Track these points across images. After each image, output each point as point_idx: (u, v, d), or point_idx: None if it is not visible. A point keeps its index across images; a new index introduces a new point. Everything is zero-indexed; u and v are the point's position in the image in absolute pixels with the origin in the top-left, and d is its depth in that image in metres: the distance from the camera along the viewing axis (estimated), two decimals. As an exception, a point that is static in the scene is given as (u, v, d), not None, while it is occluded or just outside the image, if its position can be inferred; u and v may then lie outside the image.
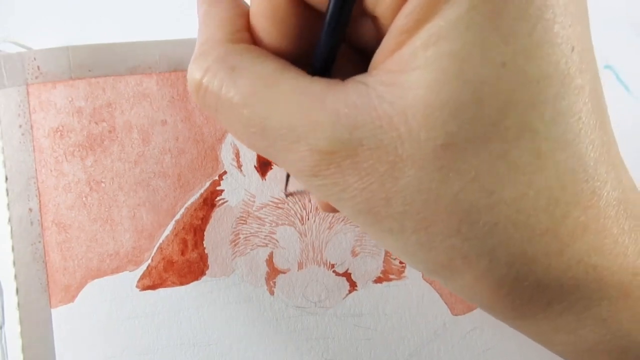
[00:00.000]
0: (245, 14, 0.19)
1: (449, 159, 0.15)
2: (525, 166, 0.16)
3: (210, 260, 0.30)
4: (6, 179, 0.30)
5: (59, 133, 0.30)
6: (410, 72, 0.15)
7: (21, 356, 0.29)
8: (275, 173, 0.31)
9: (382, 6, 0.16)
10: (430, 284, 0.31)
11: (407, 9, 0.15)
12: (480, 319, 0.31)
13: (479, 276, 0.17)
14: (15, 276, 0.30)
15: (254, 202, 0.31)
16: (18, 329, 0.29)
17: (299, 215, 0.31)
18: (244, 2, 0.20)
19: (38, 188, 0.30)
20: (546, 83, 0.15)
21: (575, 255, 0.16)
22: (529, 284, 0.17)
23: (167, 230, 0.30)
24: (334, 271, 0.31)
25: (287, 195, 0.31)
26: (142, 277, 0.30)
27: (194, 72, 0.18)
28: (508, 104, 0.15)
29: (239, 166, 0.31)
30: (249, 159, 0.31)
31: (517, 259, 0.16)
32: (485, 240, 0.16)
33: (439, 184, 0.16)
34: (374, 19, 0.17)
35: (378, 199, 0.16)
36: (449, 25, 0.15)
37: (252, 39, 0.19)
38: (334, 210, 0.24)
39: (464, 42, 0.15)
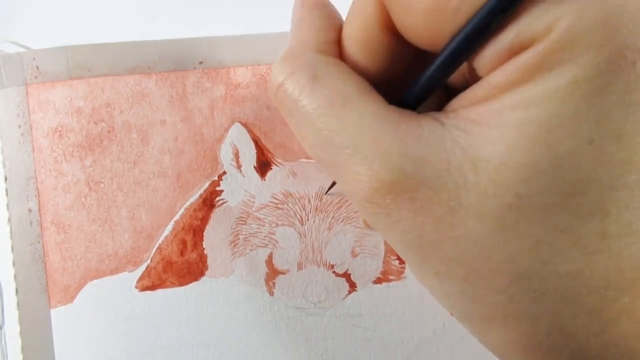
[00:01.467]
0: (338, 27, 0.20)
1: (513, 219, 0.15)
2: (588, 245, 0.15)
3: (209, 261, 0.30)
4: (5, 179, 0.30)
5: (58, 133, 0.30)
6: (492, 127, 0.15)
7: (20, 356, 0.29)
8: (275, 173, 0.31)
9: (483, 60, 0.16)
10: (430, 284, 0.31)
11: (507, 68, 0.15)
12: (479, 320, 0.31)
13: (514, 338, 0.17)
14: (15, 276, 0.30)
15: (253, 202, 0.31)
16: (17, 329, 0.29)
17: (298, 215, 0.31)
18: (339, 16, 0.21)
19: (37, 188, 0.30)
20: (629, 168, 0.15)
21: (614, 338, 0.16)
22: (561, 357, 0.17)
23: (167, 231, 0.30)
24: (333, 272, 0.31)
25: (326, 193, 0.31)
26: (141, 278, 0.30)
27: (278, 74, 0.18)
28: (586, 181, 0.15)
29: (239, 166, 0.31)
30: (249, 160, 0.31)
31: (557, 331, 0.16)
32: (531, 306, 0.16)
33: (497, 242, 0.16)
34: (469, 65, 0.17)
35: (429, 240, 0.16)
36: (544, 93, 0.15)
37: (340, 54, 0.19)
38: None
39: (555, 113, 0.15)
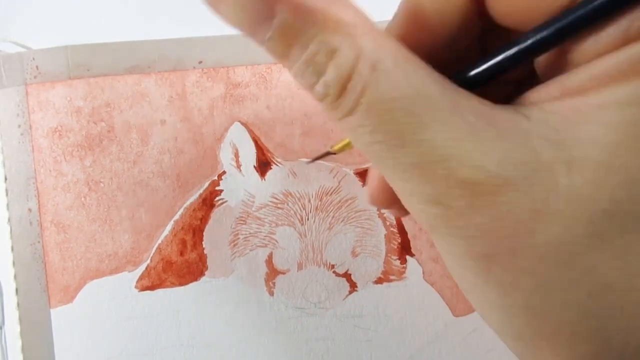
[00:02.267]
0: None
1: (606, 227, 0.14)
2: None
3: (209, 261, 0.30)
4: (5, 179, 0.30)
5: (57, 133, 0.30)
6: (590, 124, 0.14)
7: (21, 356, 0.29)
8: (275, 173, 0.31)
9: (585, 46, 0.14)
10: (431, 284, 0.31)
11: (615, 57, 0.14)
12: (481, 320, 0.30)
13: (579, 355, 0.16)
14: (15, 276, 0.30)
15: (253, 202, 0.31)
16: (17, 329, 0.29)
17: (298, 215, 0.30)
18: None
19: (37, 188, 0.30)
20: None
21: None
22: None
23: (166, 231, 0.30)
24: (334, 272, 0.30)
25: (311, 161, 0.30)
26: (141, 278, 0.30)
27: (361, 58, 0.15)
28: None
29: (238, 166, 0.31)
30: (248, 159, 0.31)
31: (632, 351, 0.15)
32: (606, 323, 0.15)
33: (583, 250, 0.14)
34: (558, 50, 0.16)
35: (502, 248, 0.15)
36: None
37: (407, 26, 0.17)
38: (386, 207, 0.22)
39: None
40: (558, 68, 0.15)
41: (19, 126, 0.30)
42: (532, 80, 0.17)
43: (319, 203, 0.31)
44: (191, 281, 0.30)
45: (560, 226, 0.14)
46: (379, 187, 0.20)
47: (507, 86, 0.18)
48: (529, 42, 0.15)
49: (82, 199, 0.30)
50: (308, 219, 0.30)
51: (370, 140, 0.15)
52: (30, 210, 0.30)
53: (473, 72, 0.16)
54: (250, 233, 0.30)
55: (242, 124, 0.31)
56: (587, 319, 0.15)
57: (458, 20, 0.17)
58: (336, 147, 0.23)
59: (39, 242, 0.30)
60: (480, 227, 0.15)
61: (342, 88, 0.15)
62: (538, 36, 0.15)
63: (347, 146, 0.23)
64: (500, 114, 0.15)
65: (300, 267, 0.30)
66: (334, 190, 0.31)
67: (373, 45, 0.14)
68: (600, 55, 0.14)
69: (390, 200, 0.20)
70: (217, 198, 0.30)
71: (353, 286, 0.31)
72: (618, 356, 0.15)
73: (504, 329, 0.17)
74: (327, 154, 0.25)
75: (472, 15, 0.17)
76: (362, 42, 0.14)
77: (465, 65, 0.17)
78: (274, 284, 0.30)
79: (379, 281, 0.31)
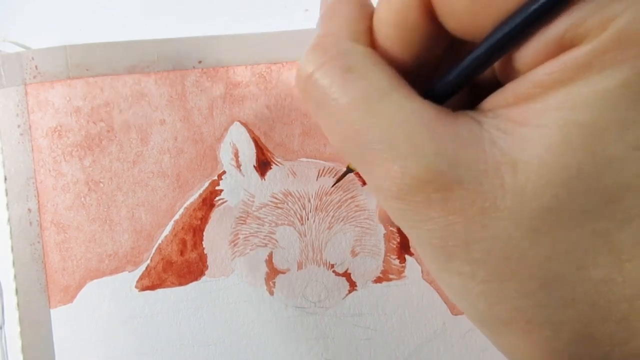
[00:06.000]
0: (370, 16, 0.19)
1: (549, 223, 0.15)
2: (623, 251, 0.15)
3: (209, 261, 0.30)
4: (5, 179, 0.30)
5: (57, 133, 0.30)
6: (534, 128, 0.15)
7: (21, 356, 0.29)
8: (275, 173, 0.31)
9: (526, 54, 0.15)
10: (430, 283, 0.31)
11: (552, 65, 0.15)
12: (480, 319, 0.31)
13: (534, 343, 0.17)
14: (15, 276, 0.30)
15: (253, 202, 0.31)
16: (17, 329, 0.29)
17: (298, 215, 0.31)
18: (371, 4, 0.20)
19: (37, 188, 0.30)
20: None
21: (637, 348, 0.16)
22: None
23: (166, 231, 0.30)
24: (333, 271, 0.31)
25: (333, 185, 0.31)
26: (141, 278, 0.30)
27: (308, 64, 0.18)
28: (628, 186, 0.15)
29: (238, 166, 0.31)
30: (248, 159, 0.31)
31: (582, 338, 0.16)
32: (557, 312, 0.16)
33: (530, 244, 0.15)
34: (506, 59, 0.17)
35: (457, 240, 0.16)
36: (593, 95, 0.14)
37: (372, 43, 0.19)
38: (392, 224, 0.24)
39: (603, 117, 0.14)
40: (511, 74, 0.16)
41: (19, 126, 0.30)
42: (496, 84, 0.18)
43: (319, 203, 0.31)
44: (191, 281, 0.30)
45: (508, 222, 0.15)
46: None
47: (470, 92, 0.20)
48: (478, 53, 0.16)
49: (82, 199, 0.30)
50: (308, 219, 0.31)
51: (337, 140, 0.18)
52: (30, 210, 0.30)
53: (437, 86, 0.18)
54: (250, 233, 0.30)
55: (242, 123, 0.31)
56: (540, 307, 0.16)
57: (419, 33, 0.18)
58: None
59: (38, 242, 0.30)
60: (437, 222, 0.16)
61: (303, 89, 0.18)
62: (485, 46, 0.16)
63: None
64: (458, 120, 0.16)
65: (300, 266, 0.30)
66: (334, 190, 0.31)
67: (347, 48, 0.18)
68: (542, 62, 0.15)
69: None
70: (217, 198, 0.31)
71: (352, 285, 0.31)
72: (570, 343, 0.16)
73: (470, 313, 0.18)
74: (347, 172, 0.27)
75: (430, 29, 0.18)
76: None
77: (426, 82, 0.18)
78: (274, 283, 0.30)
79: (378, 280, 0.31)
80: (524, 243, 0.15)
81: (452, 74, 0.17)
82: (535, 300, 0.16)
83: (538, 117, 0.15)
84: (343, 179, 0.30)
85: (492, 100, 0.17)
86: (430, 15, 0.17)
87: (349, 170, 0.26)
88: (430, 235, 0.16)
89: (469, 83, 0.17)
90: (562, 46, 0.15)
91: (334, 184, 0.30)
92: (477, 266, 0.16)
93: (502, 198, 0.15)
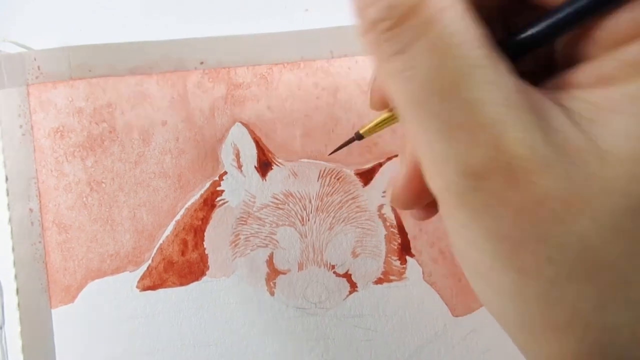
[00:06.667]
0: None
1: (629, 223, 0.14)
2: None
3: (210, 261, 0.30)
4: (6, 179, 0.30)
5: (59, 133, 0.30)
6: (623, 115, 0.13)
7: (21, 356, 0.29)
8: (276, 173, 0.31)
9: (617, 23, 0.14)
10: (431, 285, 0.31)
11: None
12: (480, 320, 0.31)
13: (588, 349, 0.15)
14: (16, 276, 0.30)
15: (254, 202, 0.31)
16: (18, 329, 0.29)
17: (299, 215, 0.31)
18: None
19: (38, 188, 0.30)
20: None
21: None
22: None
23: (168, 231, 0.30)
24: (334, 272, 0.31)
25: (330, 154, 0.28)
26: (142, 278, 0.30)
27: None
28: None
29: (239, 167, 0.31)
30: (249, 160, 0.31)
31: (634, 340, 0.15)
32: (620, 315, 0.15)
33: (606, 243, 0.14)
34: (588, 29, 0.15)
35: (531, 232, 0.14)
36: None
37: None
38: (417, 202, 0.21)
39: None
40: (588, 50, 0.15)
41: (21, 126, 0.30)
42: (549, 63, 0.16)
43: (320, 203, 0.31)
44: (192, 281, 0.30)
45: (589, 219, 0.14)
46: (404, 186, 0.20)
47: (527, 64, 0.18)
48: (576, 6, 0.14)
49: (84, 199, 0.30)
50: (309, 220, 0.31)
51: (417, 89, 0.14)
52: (31, 210, 0.30)
53: (522, 36, 0.15)
54: (251, 233, 0.30)
55: (243, 124, 0.31)
56: (602, 310, 0.15)
57: None
58: (365, 129, 0.21)
59: (40, 242, 0.30)
60: (515, 208, 0.14)
61: (405, 16, 0.14)
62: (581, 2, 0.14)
63: (378, 127, 0.21)
64: (537, 96, 0.15)
65: (300, 267, 0.30)
66: (335, 190, 0.31)
67: None
68: (633, 39, 0.13)
69: (414, 199, 0.19)
70: (218, 198, 0.31)
71: (353, 286, 0.31)
72: (624, 347, 0.15)
73: (511, 318, 0.16)
74: (353, 140, 0.24)
75: None
76: None
77: (509, 33, 0.16)
78: (274, 284, 0.30)
79: (379, 281, 0.31)
80: (600, 241, 0.14)
81: (536, 27, 0.15)
82: (599, 303, 0.15)
83: (629, 104, 0.13)
84: (344, 147, 0.27)
85: (571, 78, 0.15)
86: None
87: (359, 136, 0.23)
88: (497, 223, 0.15)
89: (549, 41, 0.15)
90: None
91: (334, 151, 0.28)
92: (546, 264, 0.14)
93: (587, 192, 0.14)
